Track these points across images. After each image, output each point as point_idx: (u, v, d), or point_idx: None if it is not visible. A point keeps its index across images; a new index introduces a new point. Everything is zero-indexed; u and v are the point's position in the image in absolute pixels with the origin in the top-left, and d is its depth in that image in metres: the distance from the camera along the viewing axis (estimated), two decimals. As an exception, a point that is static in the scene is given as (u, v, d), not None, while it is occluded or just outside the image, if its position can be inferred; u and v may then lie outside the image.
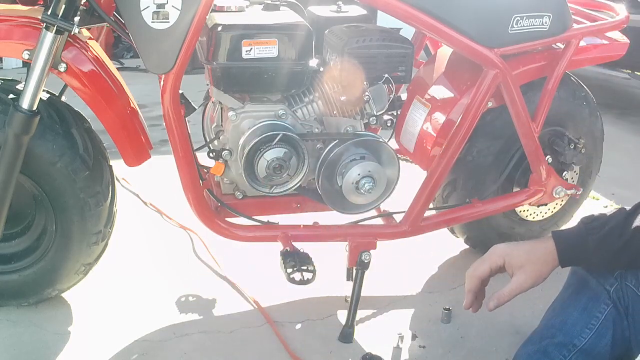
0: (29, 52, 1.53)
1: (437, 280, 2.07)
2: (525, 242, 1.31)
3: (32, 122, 1.52)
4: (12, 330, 1.72)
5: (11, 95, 1.60)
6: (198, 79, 1.87)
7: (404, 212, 1.85)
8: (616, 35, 2.02)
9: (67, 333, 1.73)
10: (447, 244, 2.21)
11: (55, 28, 1.46)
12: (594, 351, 1.21)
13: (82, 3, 1.50)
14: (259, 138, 1.55)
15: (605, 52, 2.00)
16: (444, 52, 1.99)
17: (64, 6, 1.45)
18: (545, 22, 1.73)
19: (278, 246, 1.72)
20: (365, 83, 1.62)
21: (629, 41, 2.03)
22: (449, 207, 1.96)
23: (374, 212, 1.87)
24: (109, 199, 1.71)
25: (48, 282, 1.76)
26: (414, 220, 1.81)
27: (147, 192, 2.53)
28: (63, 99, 1.72)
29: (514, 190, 2.00)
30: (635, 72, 4.23)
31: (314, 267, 1.64)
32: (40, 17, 1.46)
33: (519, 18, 1.69)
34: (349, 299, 1.76)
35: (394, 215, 1.91)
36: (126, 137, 1.65)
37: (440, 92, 1.88)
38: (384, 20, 1.92)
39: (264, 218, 1.76)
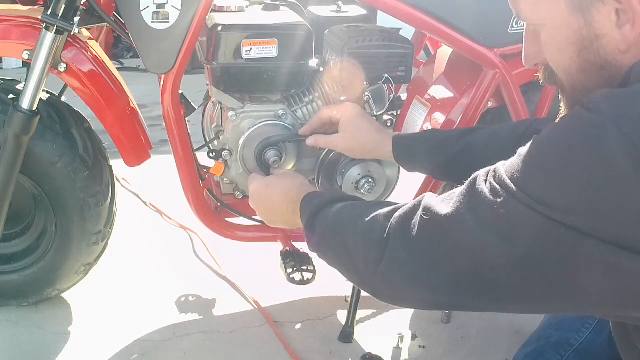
0: (28, 52, 1.53)
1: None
2: (376, 126, 1.48)
3: (32, 122, 1.52)
4: (12, 330, 1.72)
5: (11, 96, 1.61)
6: (198, 79, 1.87)
7: (403, 212, 1.84)
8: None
9: (67, 333, 1.73)
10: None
11: (55, 28, 1.46)
12: (591, 350, 1.22)
13: (82, 3, 1.50)
14: None
15: (606, 52, 2.00)
16: (444, 52, 1.99)
17: (63, 6, 1.45)
18: (545, 22, 1.73)
19: (278, 246, 1.72)
20: (365, 83, 1.62)
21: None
22: (448, 207, 1.95)
23: (374, 212, 1.87)
24: (109, 199, 1.71)
25: (48, 282, 1.76)
26: (413, 220, 1.81)
27: (147, 192, 2.54)
28: (63, 99, 1.72)
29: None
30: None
31: (314, 267, 1.64)
32: (40, 17, 1.46)
33: (519, 18, 1.69)
34: (349, 299, 1.76)
35: (394, 215, 1.91)
36: (126, 137, 1.65)
37: (440, 92, 1.88)
38: (384, 20, 1.92)
39: (264, 218, 1.76)
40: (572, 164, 0.72)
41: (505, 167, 0.79)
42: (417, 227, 0.86)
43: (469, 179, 0.84)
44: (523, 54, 0.95)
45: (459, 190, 0.84)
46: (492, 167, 0.82)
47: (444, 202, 0.84)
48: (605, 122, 0.71)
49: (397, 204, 0.95)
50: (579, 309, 0.79)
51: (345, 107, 1.48)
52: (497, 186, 0.78)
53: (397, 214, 0.90)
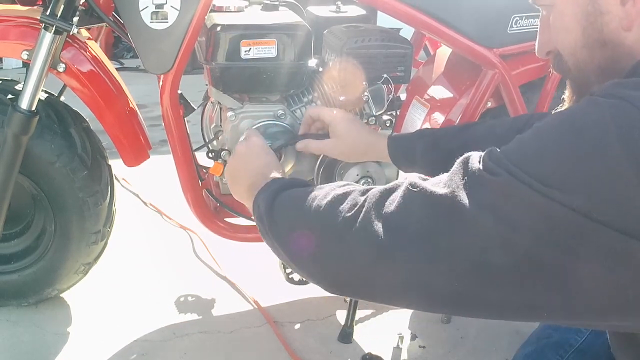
0: (27, 52, 1.53)
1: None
2: (367, 128, 1.49)
3: (31, 123, 1.53)
4: (12, 330, 1.73)
5: (10, 96, 1.61)
6: (197, 79, 1.88)
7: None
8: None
9: (67, 333, 1.74)
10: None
11: (54, 28, 1.46)
12: (591, 350, 1.21)
13: (80, 3, 1.50)
14: None
15: (605, 51, 2.00)
16: (443, 52, 1.99)
17: (62, 6, 1.45)
18: (545, 22, 1.73)
19: (277, 246, 1.72)
20: (364, 83, 1.62)
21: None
22: (448, 207, 1.95)
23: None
24: (108, 198, 1.71)
25: (48, 282, 1.76)
26: (413, 220, 1.81)
27: (147, 192, 2.54)
28: (62, 98, 1.72)
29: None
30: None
31: (313, 267, 1.64)
32: (39, 17, 1.46)
33: (518, 18, 1.69)
34: (348, 299, 1.76)
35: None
36: (125, 138, 1.65)
37: (439, 92, 1.88)
38: (384, 20, 1.92)
39: (263, 218, 1.76)
40: (583, 143, 0.69)
41: (502, 149, 0.75)
42: (397, 200, 0.79)
43: (460, 158, 0.79)
44: (536, 44, 0.96)
45: (450, 171, 0.79)
46: (487, 150, 0.78)
47: (432, 182, 0.79)
48: (619, 102, 0.70)
49: None
50: (569, 306, 0.73)
51: (336, 113, 1.48)
52: (494, 165, 0.73)
53: (375, 189, 0.84)
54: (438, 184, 0.78)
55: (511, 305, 0.75)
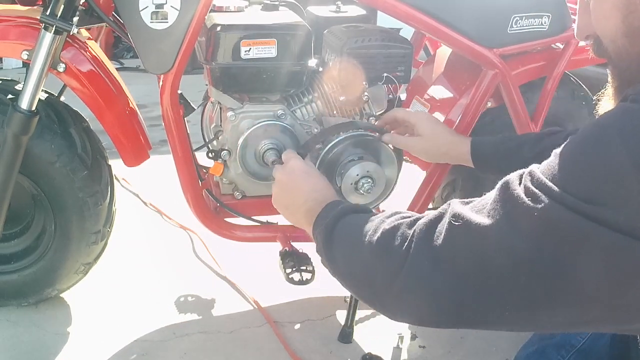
0: (27, 53, 1.53)
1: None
2: (450, 130, 1.57)
3: (31, 123, 1.52)
4: (12, 330, 1.73)
5: (10, 96, 1.61)
6: (198, 79, 1.88)
7: (403, 212, 1.84)
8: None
9: (67, 333, 1.74)
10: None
11: (54, 28, 1.46)
12: (592, 351, 1.21)
13: (80, 3, 1.50)
14: None
15: (605, 51, 1.99)
16: (443, 52, 1.99)
17: (62, 6, 1.45)
18: (545, 22, 1.73)
19: (278, 246, 1.72)
20: (364, 83, 1.62)
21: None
22: (448, 207, 1.95)
23: (373, 212, 1.87)
24: (108, 198, 1.71)
25: (48, 282, 1.76)
26: (413, 220, 1.81)
27: (147, 192, 2.54)
28: (62, 98, 1.72)
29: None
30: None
31: (313, 267, 1.64)
32: (39, 17, 1.46)
33: (518, 18, 1.69)
34: (348, 299, 1.76)
35: (393, 215, 1.91)
36: (125, 138, 1.65)
37: (439, 92, 1.88)
38: (384, 20, 1.92)
39: (263, 218, 1.76)
40: (617, 157, 0.68)
41: (541, 169, 0.75)
42: (443, 234, 0.80)
43: (500, 183, 0.79)
44: (575, 28, 0.95)
45: (490, 196, 0.79)
46: (524, 170, 0.78)
47: (474, 209, 0.80)
48: None
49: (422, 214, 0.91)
50: (617, 319, 0.75)
51: (421, 114, 1.57)
52: (536, 189, 0.73)
53: (421, 222, 0.85)
54: (482, 211, 0.78)
55: (561, 325, 0.78)
